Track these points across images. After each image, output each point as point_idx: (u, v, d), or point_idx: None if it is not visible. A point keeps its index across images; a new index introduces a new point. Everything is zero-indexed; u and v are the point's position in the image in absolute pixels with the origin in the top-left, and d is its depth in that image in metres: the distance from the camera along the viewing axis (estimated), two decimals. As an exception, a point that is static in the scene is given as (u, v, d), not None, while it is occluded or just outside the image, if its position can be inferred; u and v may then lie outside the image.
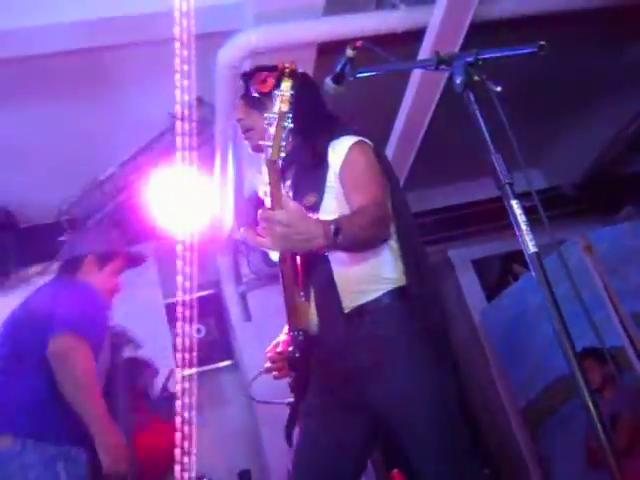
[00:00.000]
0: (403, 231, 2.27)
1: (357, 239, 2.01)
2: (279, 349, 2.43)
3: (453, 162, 5.87)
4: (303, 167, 2.08)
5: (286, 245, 1.88)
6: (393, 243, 2.24)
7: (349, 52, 2.15)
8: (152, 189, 5.46)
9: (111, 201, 5.62)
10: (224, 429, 5.65)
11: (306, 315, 2.16)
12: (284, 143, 1.88)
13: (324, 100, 2.43)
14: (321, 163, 2.25)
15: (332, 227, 1.90)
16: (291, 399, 2.30)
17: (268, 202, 2.12)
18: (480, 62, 1.74)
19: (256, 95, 2.34)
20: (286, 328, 2.31)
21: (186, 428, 4.78)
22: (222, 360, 6.02)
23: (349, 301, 2.15)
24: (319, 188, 2.17)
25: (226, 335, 6.15)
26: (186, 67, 3.61)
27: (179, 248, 5.73)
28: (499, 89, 1.71)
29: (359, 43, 2.11)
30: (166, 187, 5.27)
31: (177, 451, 4.47)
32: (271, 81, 2.00)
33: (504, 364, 5.69)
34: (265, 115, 1.92)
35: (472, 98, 1.73)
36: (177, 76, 4.16)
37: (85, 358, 2.91)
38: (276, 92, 1.88)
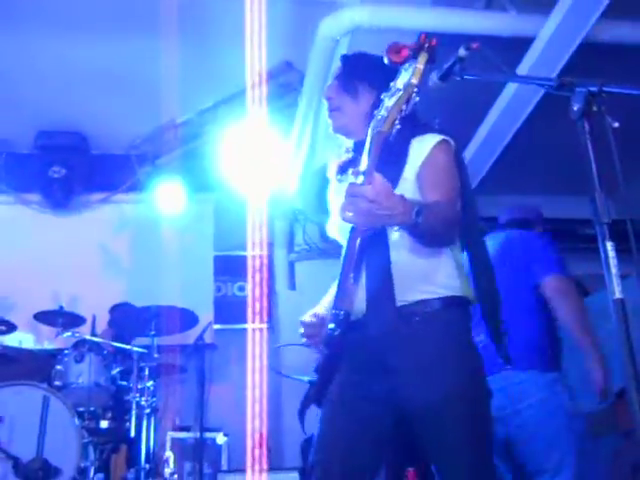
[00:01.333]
0: (469, 240, 2.23)
1: (432, 228, 1.97)
2: (315, 319, 2.40)
3: (525, 174, 5.75)
4: (381, 154, 2.04)
5: (368, 220, 1.86)
6: (457, 249, 2.20)
7: (462, 52, 2.07)
8: (226, 142, 5.49)
9: (183, 145, 5.66)
10: (245, 387, 5.68)
11: (352, 298, 2.13)
12: (399, 117, 1.84)
13: None
14: (401, 154, 2.21)
15: (416, 208, 1.88)
16: (312, 378, 2.27)
17: (345, 178, 2.13)
18: (603, 94, 1.67)
19: (361, 83, 2.31)
20: (326, 301, 2.31)
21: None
22: (258, 321, 6.04)
23: (401, 295, 2.11)
24: (393, 178, 2.11)
25: (267, 298, 6.18)
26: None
27: (239, 204, 5.84)
28: (616, 125, 1.64)
29: (476, 45, 2.04)
30: (240, 143, 5.30)
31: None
32: (405, 52, 1.94)
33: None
34: (391, 84, 1.89)
35: (587, 128, 1.66)
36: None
37: (578, 295, 3.21)
38: (408, 64, 1.84)
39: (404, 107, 1.81)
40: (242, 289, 6.30)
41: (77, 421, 3.99)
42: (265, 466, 4.67)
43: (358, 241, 2.04)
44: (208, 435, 4.90)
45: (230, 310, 6.17)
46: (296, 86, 5.27)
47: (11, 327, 4.48)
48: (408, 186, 2.12)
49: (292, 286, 5.92)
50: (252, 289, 6.22)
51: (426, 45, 1.84)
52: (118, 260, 6.00)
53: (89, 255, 5.92)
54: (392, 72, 2.37)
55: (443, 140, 2.19)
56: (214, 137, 5.65)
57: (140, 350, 4.47)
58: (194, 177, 5.80)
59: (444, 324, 2.08)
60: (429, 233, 1.97)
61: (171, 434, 4.90)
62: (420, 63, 1.81)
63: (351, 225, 1.95)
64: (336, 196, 2.29)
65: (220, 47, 4.95)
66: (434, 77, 2.15)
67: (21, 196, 5.89)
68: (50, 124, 5.67)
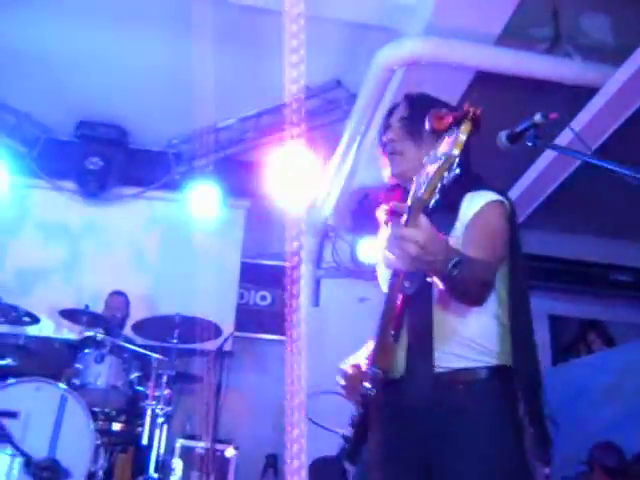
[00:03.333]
0: (517, 306, 2.13)
1: (464, 284, 1.88)
2: (352, 371, 2.34)
3: (574, 214, 5.67)
4: (432, 210, 1.95)
5: (411, 265, 1.77)
6: (503, 315, 2.11)
7: (538, 118, 1.99)
8: (265, 152, 5.45)
9: (221, 150, 5.62)
10: (259, 399, 5.65)
11: (391, 356, 2.06)
12: (439, 186, 1.76)
13: None
14: (452, 212, 2.13)
15: (455, 258, 1.78)
16: (346, 432, 2.22)
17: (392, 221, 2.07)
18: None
19: (426, 129, 2.23)
20: (363, 353, 2.25)
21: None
22: (278, 333, 5.99)
23: (443, 361, 2.03)
24: (442, 233, 2.04)
25: (290, 310, 6.13)
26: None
27: (271, 214, 5.80)
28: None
29: (554, 115, 1.96)
30: (279, 154, 5.25)
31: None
32: (449, 120, 1.86)
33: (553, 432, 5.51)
34: (431, 152, 1.80)
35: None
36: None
37: None
38: (450, 133, 1.75)
39: (445, 175, 1.72)
40: (264, 298, 6.25)
41: (92, 425, 3.96)
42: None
43: (400, 296, 1.98)
44: (218, 446, 4.85)
45: (250, 318, 6.12)
46: (343, 104, 5.22)
47: (35, 319, 4.46)
48: (455, 242, 2.05)
49: (316, 302, 5.86)
50: (289, 299, 6.19)
51: (470, 114, 1.76)
52: (145, 256, 5.97)
53: (117, 248, 5.90)
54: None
55: (498, 200, 2.11)
56: (253, 145, 5.62)
57: (159, 357, 4.43)
58: (229, 182, 5.76)
59: (492, 396, 2.01)
60: (460, 288, 1.89)
61: (181, 441, 4.85)
62: (463, 133, 1.71)
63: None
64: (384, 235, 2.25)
65: (269, 57, 4.88)
66: (502, 138, 2.08)
67: (56, 182, 5.87)
68: (91, 115, 5.65)
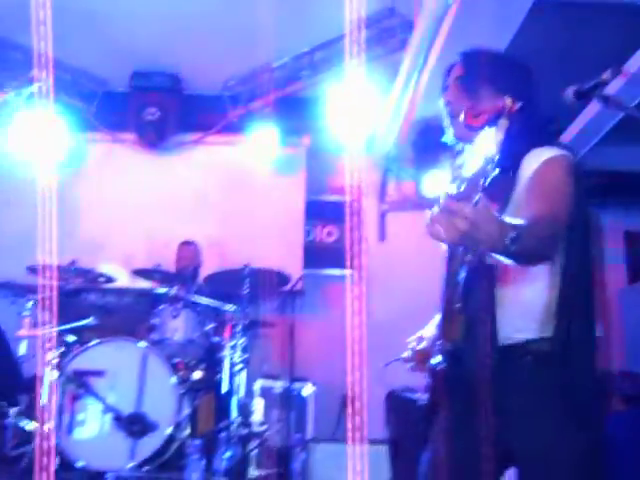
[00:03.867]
0: (576, 272, 2.04)
1: (528, 252, 1.81)
2: (423, 345, 2.35)
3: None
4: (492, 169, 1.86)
5: (461, 242, 1.71)
6: (558, 282, 2.03)
7: (608, 75, 1.89)
8: (322, 88, 5.34)
9: (277, 90, 5.52)
10: (330, 333, 5.72)
11: (458, 328, 2.05)
12: (479, 184, 1.68)
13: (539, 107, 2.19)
14: (513, 172, 2.04)
15: (512, 234, 1.71)
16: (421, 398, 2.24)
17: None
18: None
19: (484, 86, 2.13)
20: (434, 322, 2.24)
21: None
22: (345, 268, 6.01)
23: (506, 333, 2.01)
24: (503, 197, 1.97)
25: (356, 244, 6.13)
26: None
27: (332, 150, 5.73)
28: None
29: (625, 72, 1.85)
30: (336, 89, 5.13)
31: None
32: (485, 117, 1.76)
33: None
34: (471, 148, 1.72)
35: None
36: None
37: None
38: (488, 129, 1.67)
39: (482, 181, 1.64)
40: (330, 234, 6.26)
41: (174, 378, 4.12)
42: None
43: (461, 269, 1.93)
44: (296, 385, 4.99)
45: (318, 255, 6.16)
46: (398, 33, 5.01)
47: (109, 279, 4.60)
48: (518, 204, 1.97)
49: (382, 237, 5.83)
50: (349, 235, 6.19)
51: (507, 110, 1.65)
52: (210, 201, 6.02)
53: (182, 195, 5.96)
54: (518, 73, 2.18)
55: (559, 155, 2.01)
56: (309, 82, 5.50)
57: (232, 308, 4.53)
58: (287, 121, 5.69)
59: (551, 368, 1.98)
60: (523, 259, 1.82)
61: (260, 382, 5.02)
62: (500, 131, 1.62)
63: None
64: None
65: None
66: (570, 94, 1.96)
67: (116, 135, 5.92)
68: (145, 64, 5.61)
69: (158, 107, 5.61)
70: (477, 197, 1.63)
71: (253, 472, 4.55)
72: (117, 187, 5.91)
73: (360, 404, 5.52)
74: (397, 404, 4.66)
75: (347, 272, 5.93)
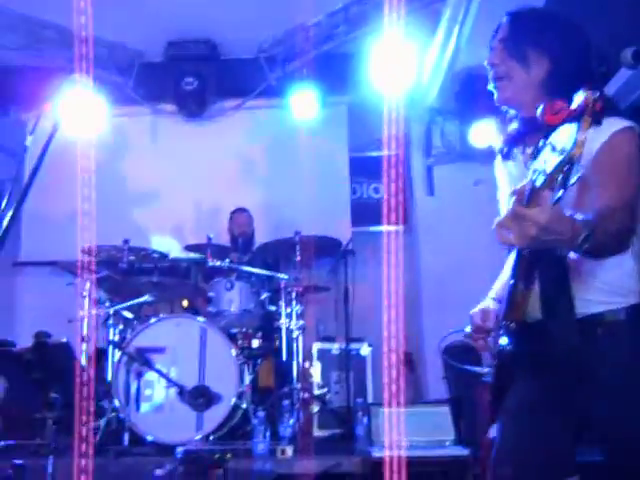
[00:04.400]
0: None
1: (601, 248, 1.78)
2: (488, 322, 2.31)
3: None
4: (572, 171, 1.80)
5: (530, 244, 1.70)
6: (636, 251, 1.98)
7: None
8: (360, 44, 5.22)
9: (314, 49, 5.41)
10: (382, 291, 5.69)
11: (524, 305, 2.01)
12: (559, 180, 1.62)
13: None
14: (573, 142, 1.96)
15: (584, 233, 1.68)
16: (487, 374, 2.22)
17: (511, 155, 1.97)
18: None
19: (531, 49, 2.05)
20: (494, 292, 2.20)
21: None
22: (394, 223, 5.95)
23: (580, 307, 1.96)
24: (563, 177, 1.89)
25: (403, 199, 6.06)
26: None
27: (374, 104, 5.60)
28: None
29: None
30: (375, 42, 5.01)
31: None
32: (564, 114, 1.69)
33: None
34: (549, 141, 1.65)
35: None
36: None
37: None
38: (568, 125, 1.59)
39: (563, 175, 1.57)
40: (377, 191, 6.21)
41: (234, 351, 4.18)
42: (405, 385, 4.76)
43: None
44: (353, 345, 5.02)
45: (366, 212, 6.12)
46: (435, -19, 4.83)
47: (163, 255, 4.65)
48: (578, 185, 1.90)
49: (430, 191, 5.74)
50: (387, 189, 6.11)
51: (590, 109, 1.56)
52: (255, 166, 6.01)
53: (226, 163, 5.97)
54: (569, 33, 2.07)
55: (625, 127, 1.92)
56: (346, 39, 5.38)
57: (285, 276, 4.55)
58: (326, 80, 5.59)
59: (630, 338, 1.94)
60: (597, 254, 1.79)
61: (317, 345, 5.06)
62: (583, 132, 1.53)
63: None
64: (501, 171, 2.13)
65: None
66: (628, 55, 1.89)
67: (156, 106, 5.91)
68: (180, 33, 5.55)
69: (196, 76, 5.56)
70: (557, 196, 1.58)
71: (317, 433, 4.65)
72: (161, 159, 5.93)
73: (417, 361, 5.56)
74: (455, 361, 4.67)
75: (396, 228, 5.88)
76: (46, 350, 4.46)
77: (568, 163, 1.55)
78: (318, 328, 5.34)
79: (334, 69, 5.60)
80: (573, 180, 1.56)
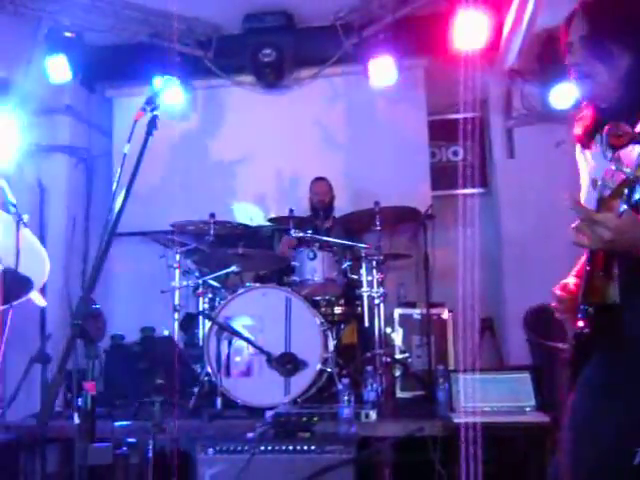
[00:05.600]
0: None
1: None
2: (568, 290, 2.34)
3: None
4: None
5: (607, 248, 1.77)
6: None
7: None
8: (436, 6, 5.17)
9: (390, 14, 5.39)
10: (463, 255, 5.70)
11: (602, 290, 2.04)
12: (625, 194, 1.69)
13: None
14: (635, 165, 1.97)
15: None
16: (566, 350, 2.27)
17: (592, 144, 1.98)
18: None
19: (615, 44, 2.03)
20: (573, 279, 2.24)
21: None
22: (474, 187, 5.92)
23: None
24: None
25: (483, 162, 6.02)
26: None
27: (451, 66, 5.54)
28: None
29: None
30: (453, 4, 4.96)
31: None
32: (627, 138, 1.73)
33: None
34: (617, 154, 1.70)
35: None
36: None
37: None
38: (631, 147, 1.65)
39: (628, 191, 1.63)
40: (456, 154, 6.18)
41: (318, 319, 4.33)
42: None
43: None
44: (434, 310, 5.09)
45: (446, 176, 6.12)
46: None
47: (247, 227, 4.82)
48: None
49: (510, 154, 5.67)
50: (465, 152, 6.09)
51: None
52: (334, 134, 6.08)
53: (305, 131, 6.06)
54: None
55: None
56: (421, 3, 5.32)
57: (366, 246, 4.65)
58: (403, 44, 5.53)
59: None
60: None
61: (398, 311, 5.15)
62: None
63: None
64: (582, 160, 2.14)
65: None
66: None
67: (235, 78, 6.03)
68: (256, 6, 5.62)
69: (273, 47, 5.63)
70: (622, 209, 1.64)
71: (400, 394, 4.78)
72: (241, 130, 6.07)
73: (498, 327, 5.58)
74: (538, 329, 4.68)
75: (476, 191, 5.87)
76: (152, 342, 4.77)
77: (632, 182, 1.62)
78: (399, 294, 5.41)
79: (411, 33, 5.55)
80: (637, 197, 1.64)
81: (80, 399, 1.84)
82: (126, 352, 4.81)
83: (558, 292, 2.29)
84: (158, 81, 5.21)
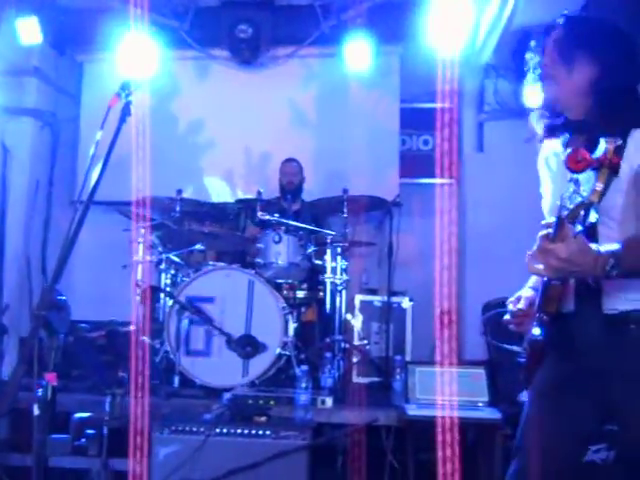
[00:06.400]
0: None
1: (632, 273, 1.92)
2: (521, 305, 2.42)
3: None
4: (593, 144, 1.89)
5: (556, 275, 1.89)
6: None
7: None
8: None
9: (369, -1, 5.36)
10: (426, 244, 5.75)
11: (556, 299, 2.14)
12: (580, 216, 1.81)
13: None
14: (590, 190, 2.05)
15: (611, 261, 1.84)
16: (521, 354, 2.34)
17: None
18: None
19: (580, 53, 2.10)
20: (528, 288, 2.31)
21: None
22: (442, 177, 5.94)
23: (611, 304, 2.06)
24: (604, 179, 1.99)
25: (452, 154, 6.03)
26: None
27: (427, 55, 5.55)
28: None
29: None
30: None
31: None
32: (583, 165, 1.81)
33: None
34: (575, 177, 1.81)
35: None
36: None
37: None
38: (588, 174, 1.75)
39: (582, 213, 1.75)
40: (427, 143, 6.20)
41: (279, 302, 4.35)
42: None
43: None
44: (395, 299, 5.14)
45: (414, 164, 6.14)
46: None
47: (215, 205, 4.79)
48: (620, 186, 1.97)
49: (480, 147, 5.72)
50: (440, 143, 6.10)
51: (607, 162, 1.72)
52: (305, 115, 6.04)
53: (277, 110, 6.01)
54: (622, 44, 2.10)
55: None
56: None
57: (331, 233, 4.66)
58: (379, 29, 5.54)
59: None
60: (629, 275, 1.92)
61: (359, 297, 5.19)
62: (600, 183, 1.70)
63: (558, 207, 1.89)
64: (544, 167, 2.18)
65: None
66: None
67: (209, 51, 5.94)
68: (235, -21, 5.54)
69: (250, 23, 5.55)
70: (578, 228, 1.73)
71: (356, 379, 4.84)
72: (213, 105, 6.00)
73: (455, 319, 5.64)
74: (496, 329, 4.76)
75: (444, 181, 5.90)
76: (116, 336, 4.73)
77: (587, 206, 1.72)
78: (361, 280, 5.45)
79: (388, 19, 5.55)
80: (591, 219, 1.73)
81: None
82: (89, 344, 4.77)
83: (511, 306, 2.37)
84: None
